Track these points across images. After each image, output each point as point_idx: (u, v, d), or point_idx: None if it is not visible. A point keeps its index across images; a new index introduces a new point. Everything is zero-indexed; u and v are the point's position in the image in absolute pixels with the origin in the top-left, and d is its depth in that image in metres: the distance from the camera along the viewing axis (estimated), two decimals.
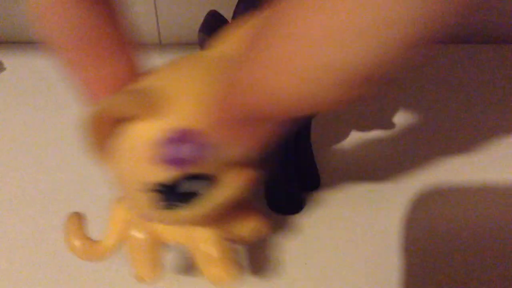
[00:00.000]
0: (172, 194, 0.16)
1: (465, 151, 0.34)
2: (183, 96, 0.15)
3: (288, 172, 0.28)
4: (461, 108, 0.38)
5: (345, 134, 0.36)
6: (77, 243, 0.20)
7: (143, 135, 0.15)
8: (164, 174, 0.15)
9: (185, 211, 0.17)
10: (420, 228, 0.28)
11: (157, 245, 0.20)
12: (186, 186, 0.16)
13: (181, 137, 0.15)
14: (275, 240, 0.27)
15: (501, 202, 0.30)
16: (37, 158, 0.34)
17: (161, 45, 0.47)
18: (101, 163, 0.17)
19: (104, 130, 0.15)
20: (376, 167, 0.33)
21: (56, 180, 0.31)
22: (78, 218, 0.21)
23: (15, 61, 0.44)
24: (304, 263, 0.26)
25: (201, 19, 0.28)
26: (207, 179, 0.16)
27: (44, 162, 0.33)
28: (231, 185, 0.17)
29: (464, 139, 0.35)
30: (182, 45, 0.46)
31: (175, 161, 0.15)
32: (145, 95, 0.15)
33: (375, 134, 0.35)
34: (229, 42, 0.17)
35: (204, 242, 0.20)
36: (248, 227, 0.21)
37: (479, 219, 0.28)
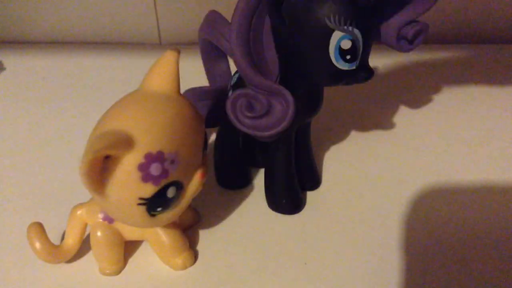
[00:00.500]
0: (155, 203, 0.21)
1: (465, 151, 0.34)
2: (145, 127, 0.20)
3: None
4: (461, 108, 0.38)
5: (345, 134, 0.36)
6: (38, 246, 0.24)
7: (128, 164, 0.20)
8: (146, 189, 0.20)
9: (166, 214, 0.22)
10: (420, 228, 0.28)
11: (118, 242, 0.25)
12: (165, 195, 0.21)
13: (152, 159, 0.20)
14: (275, 240, 0.27)
15: (501, 202, 0.30)
16: (37, 158, 0.34)
17: (161, 45, 0.47)
18: (98, 196, 0.20)
19: (97, 167, 0.20)
20: (376, 167, 0.33)
21: (56, 179, 0.32)
22: (38, 226, 0.25)
23: (15, 61, 0.44)
24: (304, 263, 0.26)
25: (201, 19, 0.28)
26: (178, 185, 0.21)
27: (44, 162, 0.33)
28: (193, 185, 0.23)
29: (464, 139, 0.35)
30: (182, 45, 0.46)
31: (151, 178, 0.20)
32: (119, 136, 0.20)
33: (375, 134, 0.36)
34: (161, 79, 0.22)
35: (156, 234, 0.25)
36: (188, 214, 0.27)
37: (479, 219, 0.28)
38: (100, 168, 0.20)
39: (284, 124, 0.22)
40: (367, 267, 0.26)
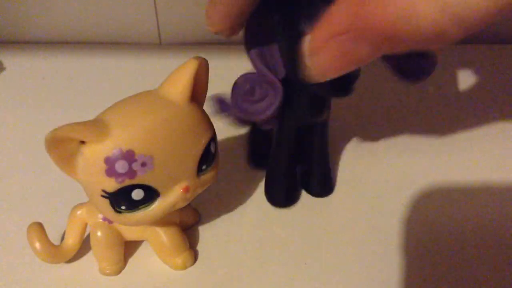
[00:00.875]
0: (118, 201, 0.21)
1: (465, 151, 0.34)
2: (126, 125, 0.20)
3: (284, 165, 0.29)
4: (461, 108, 0.38)
5: (344, 134, 0.36)
6: (38, 246, 0.24)
7: (96, 154, 0.20)
8: (109, 184, 0.20)
9: (134, 215, 0.22)
10: (420, 228, 0.28)
11: (118, 242, 0.25)
12: (129, 195, 0.21)
13: (119, 156, 0.20)
14: (275, 240, 0.27)
15: (501, 202, 0.30)
16: (37, 158, 0.34)
17: (161, 45, 0.47)
18: (68, 174, 0.21)
19: (68, 148, 0.20)
20: (376, 167, 0.33)
21: (56, 179, 0.31)
22: (38, 226, 0.25)
23: (15, 61, 0.44)
24: (304, 263, 0.26)
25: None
26: (148, 189, 0.21)
27: (44, 162, 0.33)
28: (172, 196, 0.22)
29: (464, 139, 0.35)
30: (182, 45, 0.46)
31: (114, 174, 0.20)
32: (95, 124, 0.20)
33: (375, 134, 0.35)
34: (173, 85, 0.22)
35: (156, 234, 0.25)
36: (188, 214, 0.27)
37: (479, 219, 0.28)
38: (71, 150, 0.20)
39: (270, 111, 0.23)
40: (367, 267, 0.26)
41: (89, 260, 0.26)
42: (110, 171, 0.20)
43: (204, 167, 0.23)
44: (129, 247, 0.26)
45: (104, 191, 0.21)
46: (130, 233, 0.25)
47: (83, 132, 0.20)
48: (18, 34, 0.48)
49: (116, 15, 0.47)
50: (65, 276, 0.25)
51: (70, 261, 0.26)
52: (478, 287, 0.25)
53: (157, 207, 0.22)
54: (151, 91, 0.23)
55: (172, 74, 0.22)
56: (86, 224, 0.25)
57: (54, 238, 0.26)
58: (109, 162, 0.20)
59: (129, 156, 0.20)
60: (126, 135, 0.20)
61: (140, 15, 0.47)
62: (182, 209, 0.24)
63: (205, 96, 0.24)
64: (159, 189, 0.21)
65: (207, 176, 0.23)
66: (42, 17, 0.47)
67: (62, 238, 0.27)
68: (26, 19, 0.47)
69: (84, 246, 0.26)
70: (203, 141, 0.23)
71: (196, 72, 0.22)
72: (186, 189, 0.22)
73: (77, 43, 0.48)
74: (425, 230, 0.28)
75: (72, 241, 0.25)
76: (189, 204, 0.26)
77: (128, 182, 0.20)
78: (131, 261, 0.26)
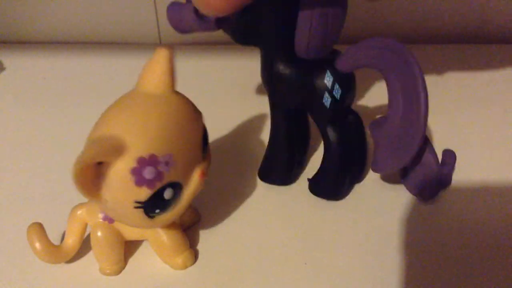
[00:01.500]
0: (152, 206, 0.21)
1: (465, 151, 0.34)
2: (136, 131, 0.20)
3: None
4: (461, 108, 0.38)
5: None
6: (39, 246, 0.24)
7: (120, 169, 0.20)
8: (141, 193, 0.20)
9: (165, 215, 0.22)
10: (420, 228, 0.28)
11: (119, 242, 0.25)
12: (161, 197, 0.21)
13: (145, 163, 0.20)
14: (275, 240, 0.27)
15: (501, 202, 0.30)
16: (37, 158, 0.34)
17: (161, 45, 0.47)
18: (94, 199, 0.21)
19: (89, 175, 0.20)
20: None
21: (56, 179, 0.32)
22: (38, 226, 0.25)
23: (15, 61, 0.44)
24: (304, 263, 0.26)
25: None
26: (175, 186, 0.21)
27: (44, 162, 0.33)
28: (193, 184, 0.22)
29: (464, 139, 0.35)
30: (182, 45, 0.46)
31: (145, 182, 0.20)
32: (107, 142, 0.20)
33: None
34: (153, 78, 0.22)
35: (156, 234, 0.25)
36: (188, 214, 0.27)
37: (479, 219, 0.28)
38: (92, 175, 0.20)
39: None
40: (367, 267, 0.26)
41: (89, 260, 0.26)
42: (140, 181, 0.20)
43: (204, 148, 0.23)
44: (129, 247, 0.26)
45: (137, 202, 0.21)
46: (130, 233, 0.25)
47: (104, 154, 0.20)
48: (18, 34, 0.48)
49: (116, 15, 0.47)
50: (65, 276, 0.25)
51: (70, 261, 0.26)
52: (478, 287, 0.25)
53: (184, 199, 0.22)
54: (132, 91, 0.22)
55: (147, 68, 0.22)
56: (86, 224, 0.25)
57: (54, 238, 0.26)
58: (136, 173, 0.20)
59: (153, 160, 0.20)
60: (142, 141, 0.20)
61: (140, 15, 0.47)
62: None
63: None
64: (182, 182, 0.22)
65: (208, 156, 0.24)
66: (42, 17, 0.47)
67: (62, 238, 0.27)
68: (26, 19, 0.47)
69: (84, 246, 0.26)
70: (200, 123, 0.23)
71: (172, 60, 0.22)
72: (203, 174, 0.23)
73: (77, 43, 0.48)
74: (425, 230, 0.28)
75: (72, 241, 0.25)
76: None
77: (159, 185, 0.21)
78: (131, 261, 0.26)
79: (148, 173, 0.20)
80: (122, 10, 0.46)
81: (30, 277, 0.25)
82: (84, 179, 0.19)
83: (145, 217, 0.21)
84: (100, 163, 0.20)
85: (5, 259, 0.26)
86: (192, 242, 0.27)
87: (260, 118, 0.37)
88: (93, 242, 0.25)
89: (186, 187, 0.22)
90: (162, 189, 0.21)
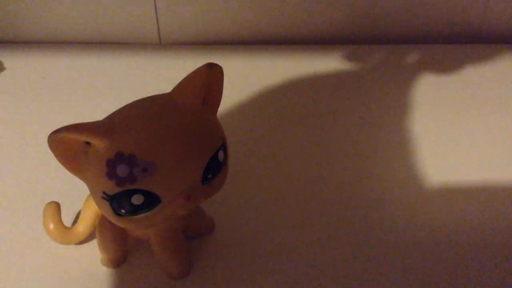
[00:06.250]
0: (118, 204, 0.21)
1: (465, 151, 0.34)
2: (131, 128, 0.20)
3: None
4: (461, 108, 0.38)
5: (345, 135, 0.36)
6: (52, 227, 0.25)
7: (99, 156, 0.20)
8: (109, 186, 0.20)
9: (134, 220, 0.21)
10: (420, 228, 0.28)
11: (123, 237, 0.25)
12: (129, 200, 0.20)
13: (121, 160, 0.20)
14: (274, 240, 0.27)
15: (501, 202, 0.30)
16: (37, 158, 0.34)
17: (161, 45, 0.47)
18: (72, 172, 0.21)
19: (72, 147, 0.20)
20: (376, 167, 0.33)
21: (56, 179, 0.32)
22: (54, 207, 0.26)
23: (15, 61, 0.44)
24: (304, 263, 0.26)
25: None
26: (149, 195, 0.20)
27: (43, 162, 0.33)
28: (173, 204, 0.21)
29: (464, 139, 0.35)
30: (182, 45, 0.46)
31: (115, 177, 0.20)
32: (99, 126, 0.20)
33: (375, 134, 0.35)
34: (184, 90, 0.22)
35: (157, 234, 0.25)
36: (202, 222, 0.27)
37: (479, 219, 0.28)
38: (77, 150, 0.21)
39: None
40: (367, 267, 0.26)
41: (91, 252, 0.26)
42: (111, 174, 0.20)
43: (210, 176, 0.22)
44: (129, 247, 0.27)
45: (104, 193, 0.21)
46: (134, 230, 0.25)
47: (85, 133, 0.20)
48: (18, 34, 0.48)
49: (116, 15, 0.47)
50: (68, 271, 0.26)
51: (70, 258, 0.26)
52: (478, 287, 0.25)
53: (157, 213, 0.21)
54: (163, 94, 0.22)
55: (185, 79, 0.22)
56: (98, 213, 0.25)
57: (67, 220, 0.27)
58: (110, 165, 0.20)
59: (130, 160, 0.20)
60: (129, 139, 0.20)
61: (140, 15, 0.47)
62: (192, 216, 0.24)
63: (219, 103, 0.23)
64: (160, 195, 0.21)
65: (213, 185, 0.22)
66: (42, 17, 0.47)
67: (75, 219, 0.28)
68: (26, 19, 0.47)
69: (88, 240, 0.27)
70: (210, 149, 0.21)
71: (208, 78, 0.21)
72: (188, 198, 0.21)
73: (77, 43, 0.48)
74: (425, 230, 0.28)
75: (82, 228, 0.26)
76: (203, 212, 0.26)
77: (128, 186, 0.20)
78: (131, 260, 0.26)
79: (121, 170, 0.20)
80: (122, 10, 0.46)
81: (32, 265, 0.26)
82: (61, 150, 0.20)
83: (112, 212, 0.21)
84: (88, 143, 0.20)
85: (4, 260, 0.26)
86: (191, 245, 0.27)
87: (265, 120, 0.37)
88: (97, 232, 0.25)
89: (164, 203, 0.21)
90: (131, 192, 0.20)
